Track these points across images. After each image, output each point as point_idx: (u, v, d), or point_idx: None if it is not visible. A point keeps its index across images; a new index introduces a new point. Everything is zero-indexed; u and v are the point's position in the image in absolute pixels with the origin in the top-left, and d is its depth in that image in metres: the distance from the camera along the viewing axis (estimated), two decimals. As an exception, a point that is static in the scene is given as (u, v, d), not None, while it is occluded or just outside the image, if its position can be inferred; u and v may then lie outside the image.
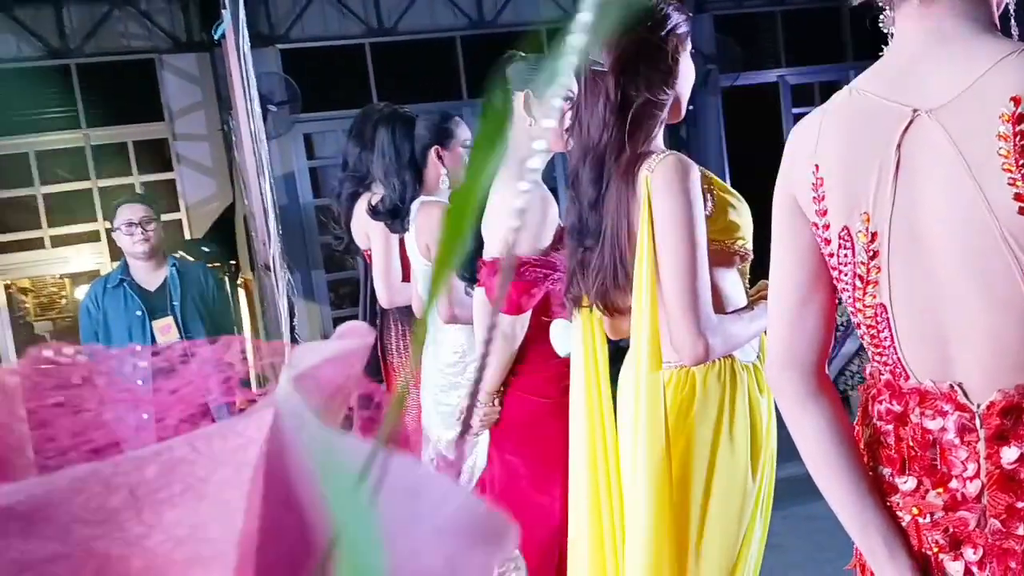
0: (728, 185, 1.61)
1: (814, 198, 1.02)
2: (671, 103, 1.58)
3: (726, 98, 7.39)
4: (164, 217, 3.59)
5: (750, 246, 1.60)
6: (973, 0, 0.94)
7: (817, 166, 1.01)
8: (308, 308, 6.35)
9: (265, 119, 3.72)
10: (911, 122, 0.94)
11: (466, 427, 2.09)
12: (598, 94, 1.56)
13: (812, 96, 7.91)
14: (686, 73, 1.59)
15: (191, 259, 4.26)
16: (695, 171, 1.51)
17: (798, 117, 7.80)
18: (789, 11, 7.81)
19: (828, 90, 7.91)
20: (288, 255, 3.60)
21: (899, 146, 0.94)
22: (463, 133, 2.66)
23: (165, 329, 3.35)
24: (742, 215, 1.59)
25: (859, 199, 0.98)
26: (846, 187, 0.99)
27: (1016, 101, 0.87)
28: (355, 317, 6.66)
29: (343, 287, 6.72)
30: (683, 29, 1.58)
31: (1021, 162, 0.86)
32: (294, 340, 3.50)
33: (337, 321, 6.66)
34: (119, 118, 6.19)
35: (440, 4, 6.79)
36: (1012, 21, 1.00)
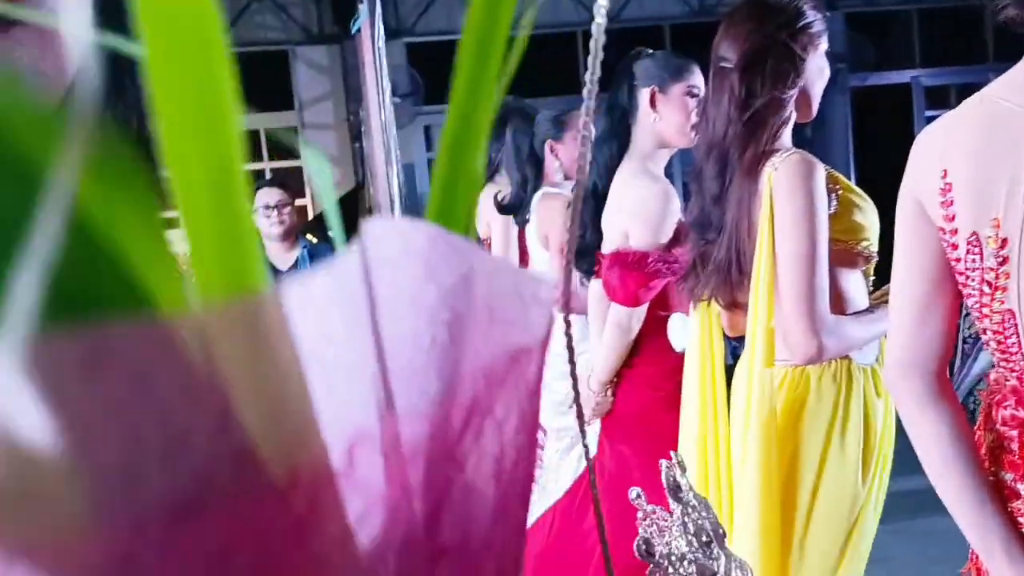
0: (855, 186, 1.59)
1: (941, 203, 1.02)
2: (799, 102, 1.57)
3: (855, 99, 7.17)
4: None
5: (875, 248, 1.58)
6: None
7: (945, 171, 1.01)
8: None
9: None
10: None
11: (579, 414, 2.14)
12: (724, 91, 1.56)
13: (947, 99, 7.59)
14: (817, 72, 1.58)
15: (320, 240, 4.45)
16: (820, 170, 1.50)
17: (932, 120, 7.53)
18: (926, 9, 7.51)
19: (965, 92, 7.52)
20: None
21: None
22: (578, 126, 2.70)
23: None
24: (867, 216, 1.57)
25: (989, 205, 0.97)
26: (976, 193, 0.98)
27: None
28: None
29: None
30: (817, 28, 1.56)
31: None
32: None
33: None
34: (252, 106, 6.52)
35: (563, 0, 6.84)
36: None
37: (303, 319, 0.24)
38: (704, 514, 0.56)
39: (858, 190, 1.58)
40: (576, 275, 2.28)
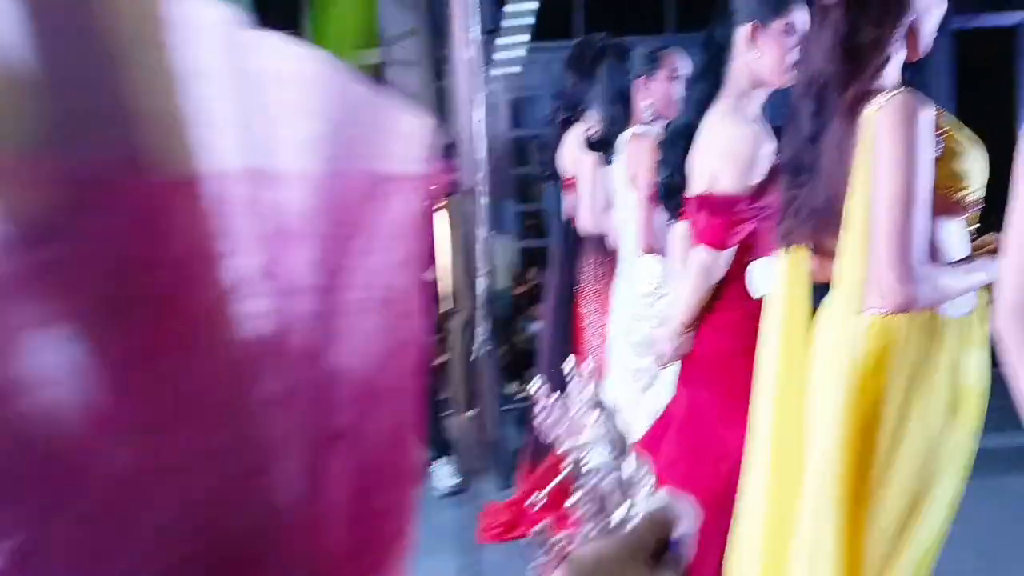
0: (965, 128, 1.52)
1: None
2: (908, 38, 1.51)
3: (958, 41, 6.82)
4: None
5: (979, 195, 1.53)
6: None
7: None
8: (499, 239, 6.54)
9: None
10: None
11: (657, 358, 2.15)
12: (826, 27, 1.51)
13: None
14: (927, 6, 1.51)
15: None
16: (927, 111, 1.44)
17: (1037, 68, 7.09)
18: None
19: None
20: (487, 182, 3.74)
21: None
22: (671, 63, 2.66)
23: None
24: (973, 162, 1.50)
25: None
26: None
27: None
28: (541, 249, 6.80)
29: (530, 218, 6.87)
30: None
31: None
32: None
33: (524, 252, 6.82)
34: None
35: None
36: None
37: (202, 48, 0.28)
38: (615, 423, 0.58)
39: (968, 134, 1.51)
40: (662, 215, 2.27)
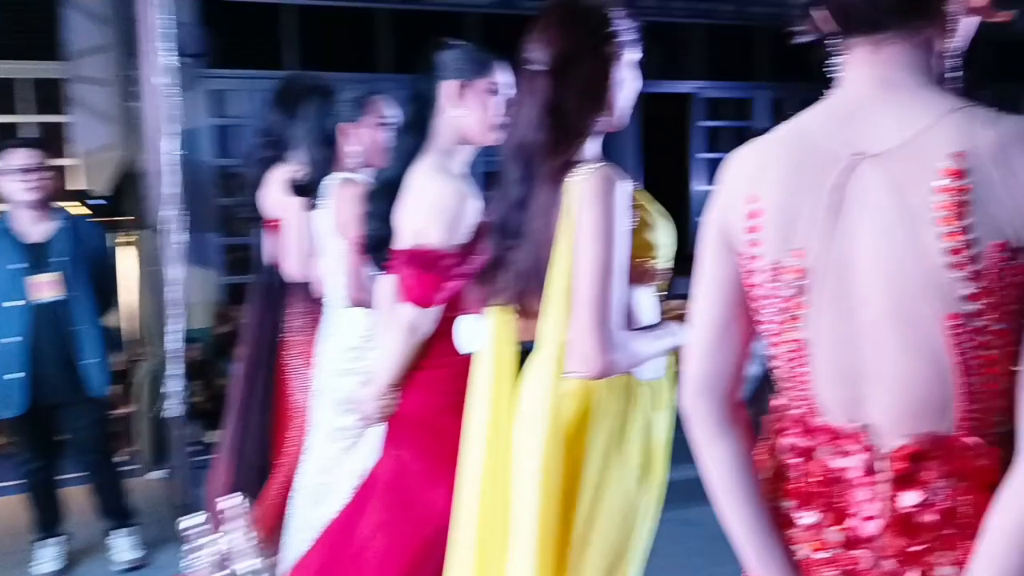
0: (654, 201, 1.60)
1: (748, 228, 1.03)
2: (609, 111, 1.56)
3: (642, 106, 7.50)
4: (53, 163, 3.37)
5: (667, 266, 1.61)
6: (920, 54, 0.96)
7: (754, 197, 1.02)
8: (199, 273, 6.11)
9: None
10: (851, 165, 0.95)
11: (360, 419, 2.04)
12: (533, 94, 1.52)
13: (724, 111, 8.13)
14: (627, 82, 1.57)
15: (80, 211, 4.03)
16: (624, 185, 1.49)
17: (707, 131, 7.98)
18: (708, 24, 7.97)
19: (738, 105, 8.13)
20: (183, 215, 3.44)
21: (837, 187, 0.95)
22: (378, 110, 2.59)
23: (49, 286, 3.15)
24: (662, 235, 1.58)
25: (793, 234, 0.98)
26: (781, 221, 0.99)
27: (957, 157, 0.88)
28: (246, 285, 6.46)
29: (236, 252, 6.51)
30: (627, 36, 1.55)
31: (958, 216, 0.88)
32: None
33: (228, 287, 6.44)
34: (12, 53, 5.81)
35: (370, -27, 6.62)
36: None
37: None
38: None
39: (657, 206, 1.59)
40: (368, 267, 2.18)
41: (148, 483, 4.16)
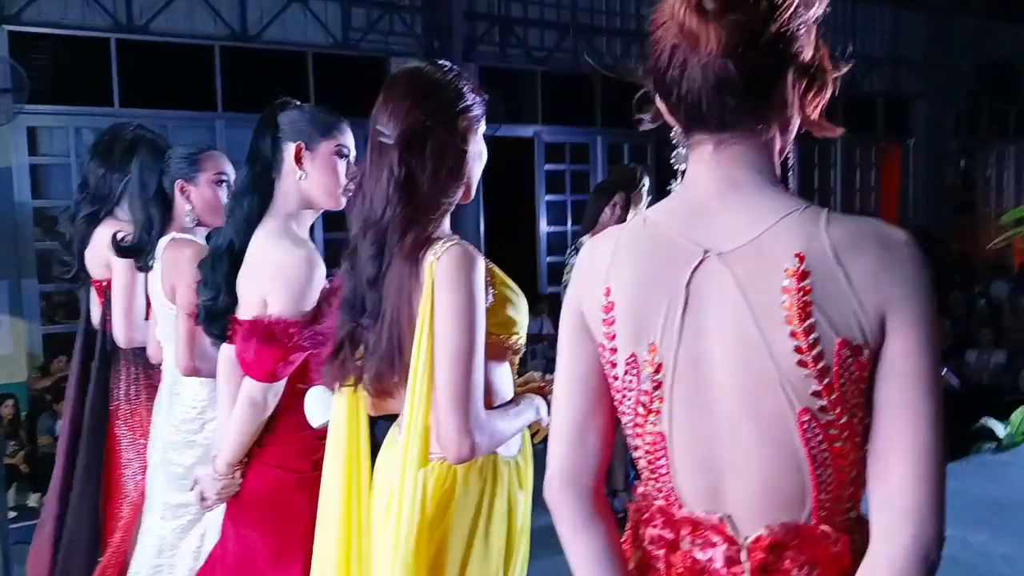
0: (507, 278, 1.58)
1: (604, 320, 1.03)
2: (464, 185, 1.53)
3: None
4: None
5: (524, 341, 1.59)
6: (760, 154, 0.99)
7: (609, 289, 1.02)
8: (14, 322, 5.64)
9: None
10: (701, 262, 0.97)
11: (200, 499, 1.91)
12: (383, 167, 1.47)
13: (563, 154, 8.36)
14: (477, 155, 1.54)
15: None
16: (480, 263, 1.47)
17: (550, 173, 8.18)
18: (548, 72, 8.20)
19: (576, 149, 8.39)
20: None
21: (688, 283, 0.97)
22: (214, 166, 2.46)
23: None
24: (520, 310, 1.56)
25: (648, 329, 0.99)
26: (636, 315, 1.00)
27: (800, 258, 0.92)
28: (70, 333, 6.02)
29: (56, 297, 6.06)
30: (477, 111, 1.52)
31: (802, 316, 0.91)
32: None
33: (49, 337, 5.97)
34: None
35: (200, 9, 6.40)
36: (790, 175, 1.06)
37: None
38: None
39: (510, 283, 1.57)
40: (204, 335, 2.05)
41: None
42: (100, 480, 2.66)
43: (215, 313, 1.89)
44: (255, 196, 1.85)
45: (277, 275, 1.79)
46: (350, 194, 1.77)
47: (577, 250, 4.23)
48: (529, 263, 8.14)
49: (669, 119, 1.02)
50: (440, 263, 1.43)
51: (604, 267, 1.03)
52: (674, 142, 1.04)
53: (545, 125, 8.26)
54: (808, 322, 0.91)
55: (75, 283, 2.73)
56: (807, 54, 0.96)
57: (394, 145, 1.46)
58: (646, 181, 4.27)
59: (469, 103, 1.51)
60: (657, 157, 8.07)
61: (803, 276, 0.91)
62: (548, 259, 8.14)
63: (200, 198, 2.38)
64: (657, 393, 0.99)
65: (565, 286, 4.08)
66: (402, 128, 1.46)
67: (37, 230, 5.94)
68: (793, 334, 0.91)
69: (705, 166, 1.00)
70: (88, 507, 2.66)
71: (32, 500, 5.13)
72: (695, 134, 0.99)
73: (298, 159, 1.83)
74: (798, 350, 0.91)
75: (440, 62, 1.56)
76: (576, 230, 7.92)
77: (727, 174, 0.98)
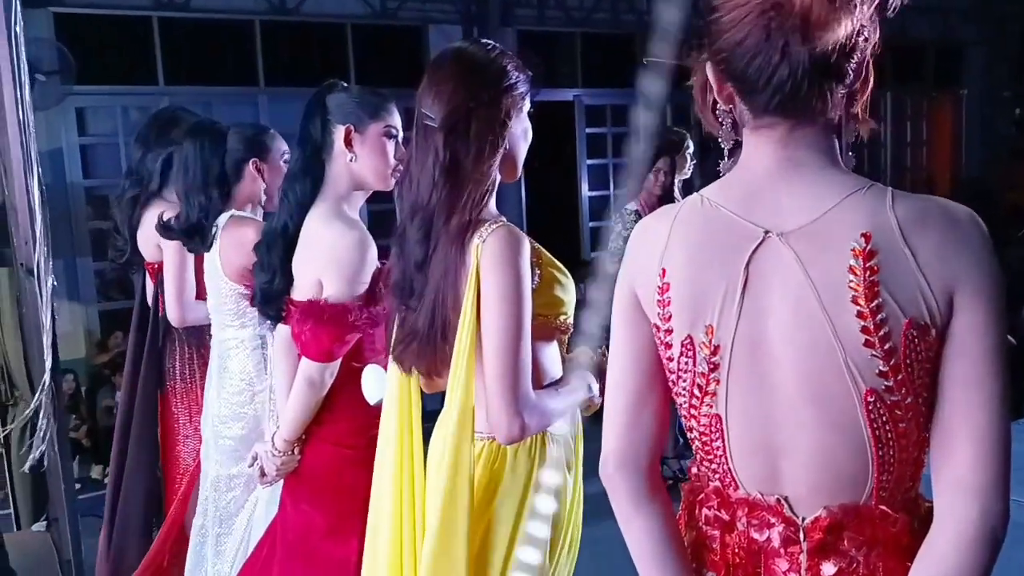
0: (554, 259, 1.58)
1: (659, 301, 1.02)
2: (504, 165, 1.52)
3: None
4: None
5: (571, 320, 1.59)
6: (824, 134, 0.97)
7: (664, 270, 1.01)
8: (71, 302, 5.79)
9: (32, 89, 3.31)
10: (762, 242, 0.96)
11: (260, 475, 1.96)
12: (428, 151, 1.47)
13: (604, 118, 8.27)
14: (521, 134, 1.54)
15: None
16: (526, 244, 1.47)
17: (591, 136, 8.10)
18: (588, 33, 8.10)
19: (619, 112, 8.29)
20: (52, 240, 3.21)
21: (748, 264, 0.96)
22: (281, 145, 2.51)
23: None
24: (567, 290, 1.56)
25: (705, 310, 0.98)
26: (693, 297, 0.99)
27: (866, 237, 0.90)
28: (125, 311, 6.15)
29: (110, 275, 6.20)
30: (521, 89, 1.51)
31: (869, 296, 0.90)
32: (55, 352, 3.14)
33: (104, 314, 6.12)
34: None
35: (240, -16, 6.41)
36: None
37: None
38: None
39: (557, 263, 1.57)
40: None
41: (27, 536, 3.89)
42: (154, 454, 2.75)
43: (271, 295, 1.93)
44: (307, 178, 1.88)
45: (331, 257, 1.82)
46: (399, 175, 1.78)
47: (621, 217, 4.22)
48: (571, 228, 8.10)
49: (726, 100, 1.00)
50: (486, 245, 1.43)
51: (659, 248, 1.03)
52: (722, 121, 1.02)
53: (585, 88, 8.16)
54: (875, 302, 0.90)
55: (129, 266, 2.79)
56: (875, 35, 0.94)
57: (439, 128, 1.46)
58: (690, 145, 4.23)
59: (513, 82, 1.50)
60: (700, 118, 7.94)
61: (870, 255, 0.90)
62: (590, 224, 8.09)
63: (272, 176, 2.42)
64: (714, 375, 0.99)
65: (612, 254, 4.07)
66: (446, 110, 1.46)
67: (89, 209, 6.07)
68: (860, 314, 0.90)
69: (767, 146, 0.98)
70: (142, 480, 2.76)
71: (95, 472, 5.30)
72: (767, 117, 0.97)
73: (348, 141, 1.85)
74: (864, 331, 0.91)
75: (483, 41, 1.55)
76: (619, 194, 7.87)
77: (791, 154, 0.97)
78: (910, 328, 0.90)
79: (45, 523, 3.93)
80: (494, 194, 1.53)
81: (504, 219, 1.50)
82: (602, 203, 7.99)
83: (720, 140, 1.06)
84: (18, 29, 2.99)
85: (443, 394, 1.60)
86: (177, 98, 5.73)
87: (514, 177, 1.56)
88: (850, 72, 0.93)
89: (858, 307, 0.91)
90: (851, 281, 0.91)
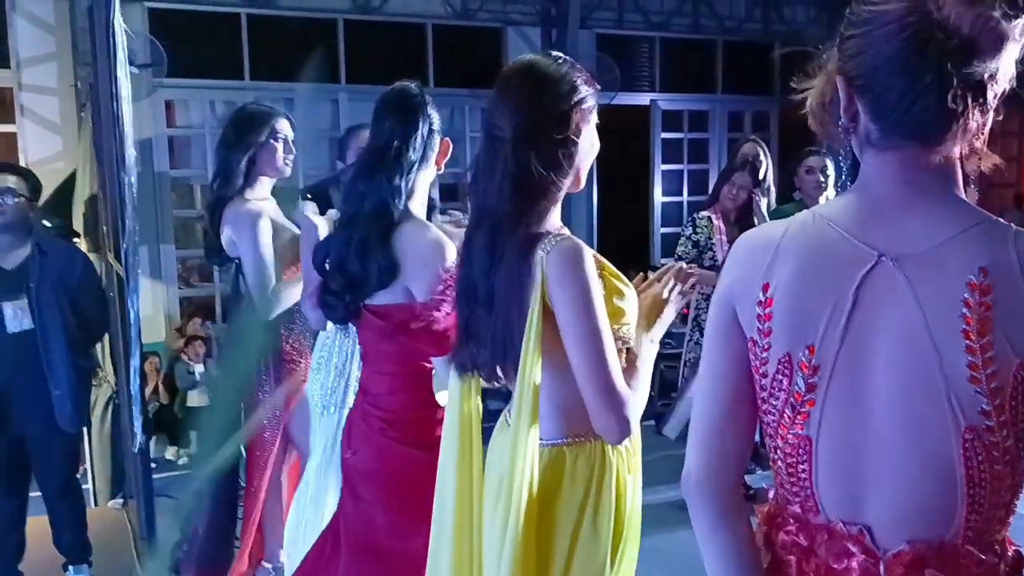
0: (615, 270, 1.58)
1: (759, 316, 1.01)
2: (575, 178, 1.54)
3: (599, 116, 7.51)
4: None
5: (632, 332, 1.58)
6: (949, 162, 0.95)
7: (767, 284, 1.00)
8: (154, 286, 5.98)
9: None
10: (874, 265, 0.94)
11: None
12: (497, 161, 1.49)
13: (680, 122, 8.18)
14: (589, 147, 1.54)
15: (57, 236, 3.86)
16: (589, 255, 1.47)
17: (666, 141, 8.02)
18: (666, 37, 8.02)
19: (696, 117, 8.19)
20: (138, 228, 3.31)
21: (859, 287, 0.94)
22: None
23: (16, 314, 3.03)
24: (628, 301, 1.56)
25: (807, 329, 0.97)
26: (796, 314, 0.98)
27: (984, 272, 0.88)
28: (203, 296, 6.31)
29: (191, 261, 6.39)
30: (590, 103, 1.52)
31: (981, 331, 0.88)
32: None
33: (184, 300, 6.31)
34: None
35: (325, -18, 6.53)
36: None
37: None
38: None
39: (618, 274, 1.57)
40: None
41: (104, 513, 4.04)
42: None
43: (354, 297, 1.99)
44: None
45: (417, 261, 1.87)
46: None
47: (694, 222, 4.18)
48: (642, 233, 8.04)
49: (849, 117, 0.98)
50: (550, 258, 1.44)
51: (764, 261, 1.01)
52: (846, 141, 1.01)
53: (662, 92, 8.09)
54: (987, 338, 0.88)
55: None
56: None
57: (508, 140, 1.47)
58: (766, 161, 4.21)
59: (582, 96, 1.51)
60: (781, 125, 7.80)
61: (986, 291, 0.88)
62: (662, 230, 8.02)
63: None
64: (809, 396, 0.97)
65: (679, 258, 4.04)
66: (516, 123, 1.47)
67: (173, 197, 6.26)
68: (969, 349, 0.88)
69: (891, 168, 0.96)
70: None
71: (169, 453, 5.47)
72: (897, 139, 0.95)
73: (444, 153, 1.95)
74: (972, 366, 0.88)
75: (554, 54, 1.56)
76: (692, 201, 7.79)
77: (915, 178, 0.95)
78: (1021, 370, 0.88)
79: (121, 500, 4.08)
80: (559, 205, 1.54)
81: (567, 231, 1.51)
82: (675, 209, 7.91)
83: (841, 160, 1.04)
84: (116, 24, 3.11)
85: (501, 392, 1.61)
86: (262, 93, 5.88)
87: (579, 188, 1.57)
88: (992, 102, 0.91)
89: (968, 342, 0.88)
90: (964, 314, 0.89)
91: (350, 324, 2.05)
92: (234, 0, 6.29)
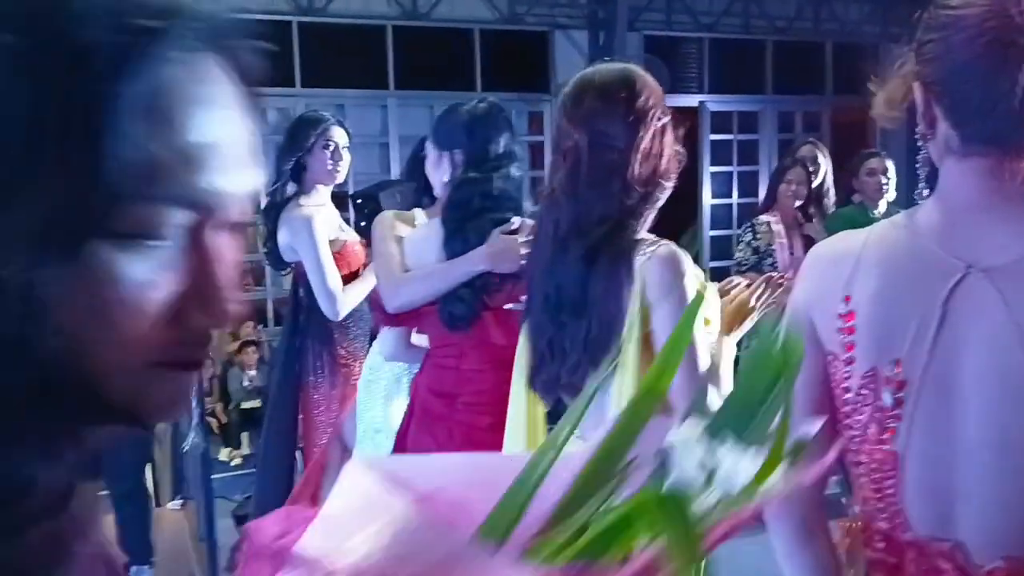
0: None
1: (840, 329, 0.99)
2: (666, 184, 1.54)
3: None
4: None
5: (715, 337, 1.57)
6: None
7: (849, 297, 0.98)
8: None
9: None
10: (963, 277, 0.92)
11: None
12: (606, 169, 1.48)
13: (730, 124, 8.10)
14: (674, 154, 1.56)
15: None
16: (689, 261, 1.47)
17: (715, 143, 7.95)
18: (715, 38, 7.95)
19: (745, 119, 8.11)
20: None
21: (947, 300, 0.92)
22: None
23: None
24: (711, 304, 1.55)
25: (893, 343, 0.95)
26: (881, 328, 0.96)
27: None
28: (257, 301, 6.40)
29: (243, 266, 6.48)
30: (667, 108, 1.54)
31: None
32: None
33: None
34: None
35: (374, -10, 6.60)
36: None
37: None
38: None
39: (703, 281, 1.56)
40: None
41: (163, 514, 4.11)
42: (290, 439, 2.88)
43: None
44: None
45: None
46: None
47: (753, 228, 4.13)
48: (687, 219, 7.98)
49: (927, 123, 0.96)
50: (650, 264, 1.44)
51: (845, 273, 0.99)
52: (921, 147, 0.99)
53: (711, 94, 8.02)
54: None
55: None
56: None
57: (621, 149, 1.47)
58: (824, 164, 4.15)
59: (661, 105, 1.53)
60: (833, 126, 7.69)
61: None
62: (711, 232, 7.94)
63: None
64: (896, 411, 0.95)
65: (737, 264, 3.99)
66: (631, 132, 1.47)
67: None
68: None
69: (974, 177, 0.94)
70: (278, 465, 2.89)
71: (222, 455, 5.56)
72: (979, 146, 0.93)
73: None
74: None
75: (629, 65, 1.57)
76: (741, 203, 7.70)
77: (999, 186, 0.92)
78: None
79: (180, 502, 4.16)
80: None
81: (661, 238, 1.51)
82: (724, 211, 7.83)
83: (918, 167, 1.02)
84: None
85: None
86: (313, 100, 5.94)
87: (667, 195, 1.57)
88: None
89: None
90: None
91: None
92: (285, 9, 6.38)
